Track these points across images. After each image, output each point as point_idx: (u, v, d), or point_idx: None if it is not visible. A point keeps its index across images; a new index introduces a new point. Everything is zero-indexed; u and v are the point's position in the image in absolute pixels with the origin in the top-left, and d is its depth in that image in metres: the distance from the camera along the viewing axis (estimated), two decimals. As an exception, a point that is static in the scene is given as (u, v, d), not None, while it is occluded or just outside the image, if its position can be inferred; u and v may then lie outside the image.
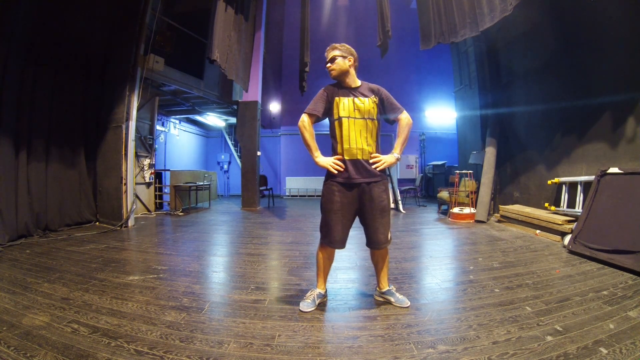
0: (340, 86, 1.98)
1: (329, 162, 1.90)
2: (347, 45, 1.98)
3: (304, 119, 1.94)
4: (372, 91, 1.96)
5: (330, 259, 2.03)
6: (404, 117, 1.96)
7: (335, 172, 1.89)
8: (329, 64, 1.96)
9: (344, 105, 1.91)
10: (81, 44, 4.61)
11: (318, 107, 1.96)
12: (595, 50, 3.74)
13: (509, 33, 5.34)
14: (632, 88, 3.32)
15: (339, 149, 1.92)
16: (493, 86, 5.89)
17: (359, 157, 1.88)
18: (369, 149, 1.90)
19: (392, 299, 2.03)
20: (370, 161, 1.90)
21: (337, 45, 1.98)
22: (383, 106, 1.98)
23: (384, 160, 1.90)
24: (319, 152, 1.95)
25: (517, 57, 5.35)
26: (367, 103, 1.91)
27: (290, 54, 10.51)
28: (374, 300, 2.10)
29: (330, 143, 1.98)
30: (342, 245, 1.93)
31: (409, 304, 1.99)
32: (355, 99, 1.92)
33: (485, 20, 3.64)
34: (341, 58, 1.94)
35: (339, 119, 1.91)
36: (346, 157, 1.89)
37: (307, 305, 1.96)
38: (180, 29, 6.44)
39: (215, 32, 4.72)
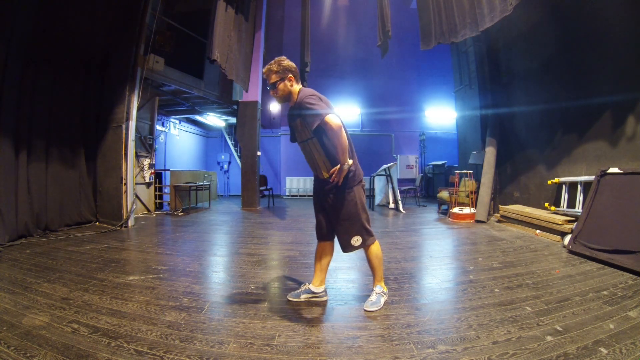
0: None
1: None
2: (283, 63, 1.83)
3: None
4: (300, 107, 1.80)
5: (318, 254, 2.10)
6: (327, 124, 1.73)
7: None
8: (271, 92, 1.90)
9: (293, 129, 1.95)
10: (81, 44, 4.61)
11: None
12: (595, 50, 3.74)
13: (509, 33, 5.34)
14: (632, 88, 3.32)
15: None
16: (493, 86, 5.89)
17: (320, 177, 1.97)
18: (323, 171, 1.89)
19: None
20: (330, 178, 1.85)
21: (272, 67, 1.84)
22: (305, 120, 1.80)
23: (337, 174, 1.81)
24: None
25: (517, 57, 5.35)
26: (299, 126, 1.86)
27: (290, 54, 10.34)
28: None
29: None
30: (319, 238, 2.10)
31: (372, 309, 1.92)
32: (293, 123, 1.93)
33: (485, 20, 3.64)
34: (281, 82, 1.84)
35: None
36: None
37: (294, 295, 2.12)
38: (180, 29, 6.44)
39: (215, 32, 4.72)
